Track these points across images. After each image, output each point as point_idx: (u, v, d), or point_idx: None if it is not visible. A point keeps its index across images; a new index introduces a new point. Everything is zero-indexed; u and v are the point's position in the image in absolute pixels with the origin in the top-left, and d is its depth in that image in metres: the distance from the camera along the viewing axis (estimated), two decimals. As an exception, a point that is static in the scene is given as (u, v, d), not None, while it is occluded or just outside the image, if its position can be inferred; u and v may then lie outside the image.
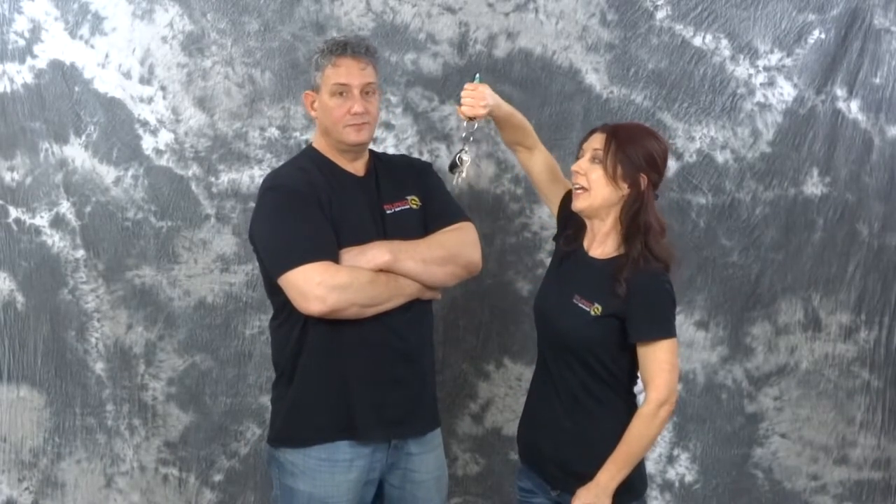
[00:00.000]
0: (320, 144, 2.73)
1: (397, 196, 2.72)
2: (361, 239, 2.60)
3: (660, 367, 2.47)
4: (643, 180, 2.50)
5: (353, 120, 2.63)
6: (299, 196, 2.58)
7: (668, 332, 2.48)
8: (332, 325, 2.58)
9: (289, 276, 2.53)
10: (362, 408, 2.62)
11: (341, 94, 2.63)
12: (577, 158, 2.58)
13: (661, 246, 2.51)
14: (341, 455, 2.62)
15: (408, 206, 2.72)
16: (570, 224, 2.67)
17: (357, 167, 2.71)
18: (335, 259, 2.55)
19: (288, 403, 2.67)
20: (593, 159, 2.51)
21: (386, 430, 2.66)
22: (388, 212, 2.69)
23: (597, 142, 2.52)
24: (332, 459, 2.62)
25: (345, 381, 2.62)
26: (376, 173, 2.73)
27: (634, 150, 2.49)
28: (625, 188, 2.50)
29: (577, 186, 2.54)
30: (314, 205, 2.57)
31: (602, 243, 2.57)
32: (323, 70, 2.65)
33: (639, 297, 2.46)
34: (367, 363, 2.62)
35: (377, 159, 2.78)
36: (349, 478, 2.63)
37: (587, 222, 2.60)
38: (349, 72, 2.63)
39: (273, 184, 2.65)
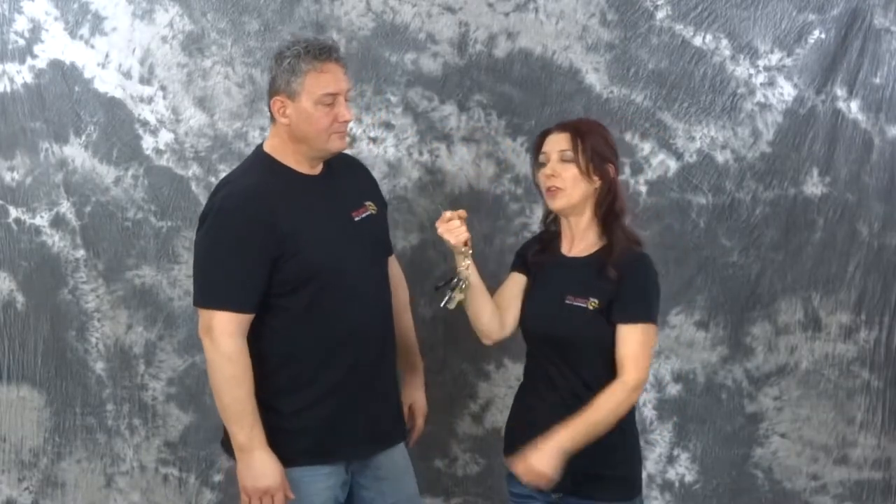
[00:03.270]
0: (276, 149, 2.62)
1: (358, 201, 2.68)
2: (327, 245, 2.57)
3: (641, 347, 2.50)
4: (611, 169, 2.59)
5: (341, 128, 2.58)
6: (243, 233, 2.50)
7: (651, 316, 2.53)
8: (311, 345, 2.58)
9: (206, 312, 2.54)
10: (352, 430, 2.63)
11: (330, 103, 2.54)
12: (539, 163, 2.63)
13: (629, 228, 2.63)
14: (320, 467, 2.63)
15: (369, 213, 2.69)
16: (538, 244, 2.71)
17: (315, 170, 2.66)
18: (249, 308, 2.52)
19: (271, 430, 2.60)
20: (563, 159, 2.57)
21: (360, 450, 2.68)
22: (356, 219, 2.66)
23: (562, 142, 2.58)
24: (313, 471, 2.62)
25: (331, 402, 2.61)
26: (330, 171, 2.68)
27: (598, 142, 2.59)
28: (597, 181, 2.58)
29: (553, 187, 2.58)
30: (255, 245, 2.50)
31: (582, 239, 2.62)
32: (304, 76, 2.52)
33: (628, 279, 2.52)
34: (352, 381, 2.62)
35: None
36: (328, 484, 2.64)
37: (564, 222, 2.65)
38: (337, 78, 2.55)
39: (224, 205, 2.55)
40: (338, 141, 2.60)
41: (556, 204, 2.59)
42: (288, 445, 2.59)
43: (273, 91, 2.57)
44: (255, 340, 2.57)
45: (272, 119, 2.61)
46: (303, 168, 2.63)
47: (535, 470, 2.45)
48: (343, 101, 2.57)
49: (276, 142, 2.63)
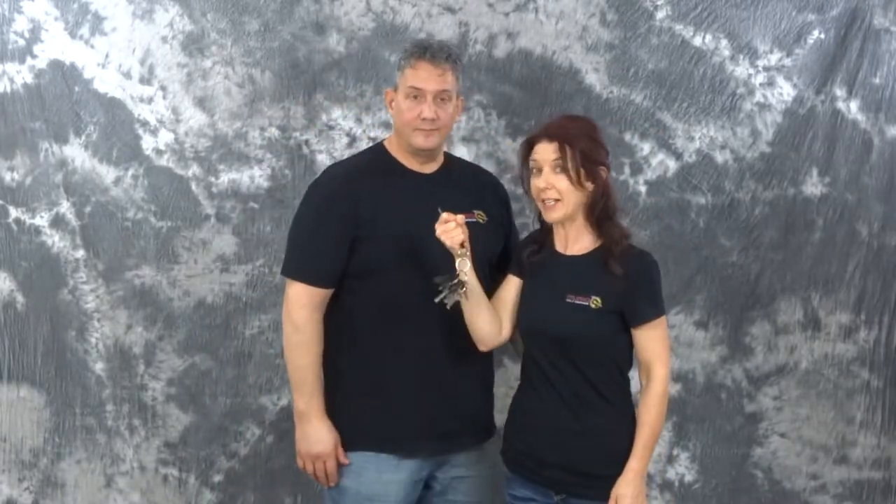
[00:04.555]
0: (391, 143, 2.74)
1: (465, 206, 2.69)
2: (410, 240, 2.61)
3: (662, 344, 2.56)
4: (603, 172, 2.57)
5: (423, 125, 2.63)
6: (325, 210, 2.64)
7: (662, 309, 2.59)
8: (380, 332, 2.63)
9: (288, 281, 2.71)
10: (412, 424, 2.65)
11: (415, 97, 2.62)
12: (528, 173, 2.60)
13: (618, 221, 2.61)
14: (387, 455, 2.66)
15: (474, 220, 2.70)
16: (533, 245, 2.69)
17: (427, 168, 2.73)
18: (322, 283, 2.65)
19: (336, 407, 2.69)
20: (555, 169, 2.54)
21: (435, 446, 2.69)
22: None
23: (551, 152, 2.54)
24: (380, 458, 2.65)
25: (394, 391, 2.65)
26: (449, 174, 2.74)
27: (588, 146, 2.54)
28: (589, 186, 2.55)
29: (550, 201, 2.56)
30: (337, 222, 2.62)
31: (577, 241, 2.61)
32: (403, 71, 2.66)
33: (635, 281, 2.53)
34: (418, 375, 2.64)
35: (451, 161, 2.80)
36: (397, 477, 2.66)
37: (558, 226, 2.63)
38: (426, 76, 2.62)
39: (316, 183, 2.74)
40: (419, 137, 2.65)
41: (554, 216, 2.57)
42: (350, 427, 2.67)
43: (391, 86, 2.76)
44: (334, 318, 2.68)
45: None
46: (412, 164, 2.71)
47: (625, 501, 2.51)
48: (428, 99, 2.63)
49: (393, 135, 2.76)
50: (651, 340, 2.55)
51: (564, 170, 2.52)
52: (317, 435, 2.66)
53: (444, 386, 2.67)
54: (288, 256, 2.73)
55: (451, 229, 2.49)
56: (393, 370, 2.65)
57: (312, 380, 2.66)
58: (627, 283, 2.51)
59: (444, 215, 2.51)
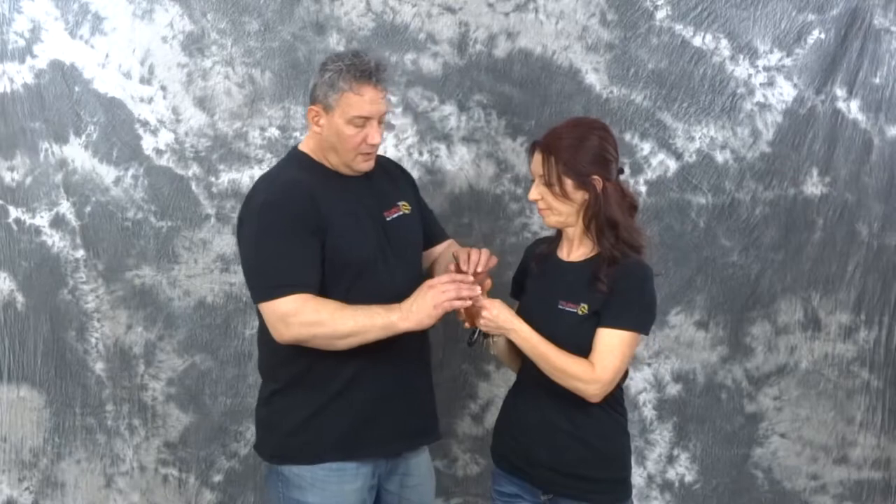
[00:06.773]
0: (312, 150, 2.66)
1: (390, 201, 2.70)
2: (358, 242, 2.59)
3: (610, 352, 2.46)
4: (596, 182, 2.49)
5: (368, 149, 2.59)
6: (291, 218, 2.52)
7: (631, 324, 2.49)
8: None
9: (267, 304, 2.52)
10: (373, 427, 2.62)
11: (362, 125, 2.56)
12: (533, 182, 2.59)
13: (630, 232, 2.53)
14: (348, 464, 2.62)
15: (401, 213, 2.71)
16: (534, 259, 2.71)
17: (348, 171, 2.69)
18: (312, 288, 2.51)
19: (294, 420, 2.63)
20: (542, 181, 2.52)
21: (395, 446, 2.68)
22: (388, 219, 2.67)
23: (538, 165, 2.52)
24: (342, 469, 2.62)
25: (352, 397, 2.60)
26: (368, 172, 2.70)
27: (572, 159, 2.48)
28: (579, 196, 2.51)
29: (540, 209, 2.57)
30: (306, 227, 2.52)
31: (578, 247, 2.60)
32: (341, 93, 2.53)
33: (615, 289, 2.48)
34: (374, 379, 2.61)
35: None
36: (356, 486, 2.63)
37: (564, 232, 2.63)
38: (373, 102, 2.55)
39: (268, 199, 2.56)
40: (362, 162, 2.62)
41: (548, 222, 2.59)
42: (315, 441, 2.60)
43: (312, 99, 2.61)
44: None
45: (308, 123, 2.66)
46: (340, 169, 2.66)
47: (492, 314, 2.48)
48: (375, 123, 2.57)
49: (312, 144, 2.67)
50: (601, 340, 2.47)
51: (547, 183, 2.51)
52: (413, 309, 2.47)
53: (404, 387, 2.65)
54: (268, 279, 2.52)
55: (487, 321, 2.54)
56: (352, 375, 2.59)
57: (365, 311, 2.48)
58: (610, 291, 2.49)
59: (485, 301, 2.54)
